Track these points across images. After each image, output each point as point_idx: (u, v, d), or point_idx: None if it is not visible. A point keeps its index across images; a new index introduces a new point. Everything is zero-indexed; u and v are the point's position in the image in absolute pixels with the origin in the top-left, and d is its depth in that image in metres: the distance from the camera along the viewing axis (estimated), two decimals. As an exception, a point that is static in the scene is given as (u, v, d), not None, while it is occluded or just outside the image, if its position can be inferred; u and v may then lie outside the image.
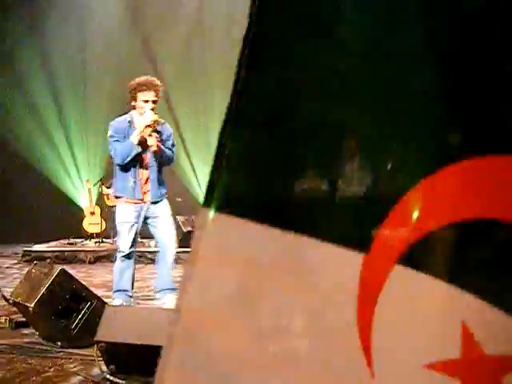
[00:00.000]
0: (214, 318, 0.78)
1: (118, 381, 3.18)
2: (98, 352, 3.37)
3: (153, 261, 8.72)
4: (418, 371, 0.81)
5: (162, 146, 5.06)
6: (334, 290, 0.81)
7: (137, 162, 5.04)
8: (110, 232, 10.27)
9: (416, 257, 0.81)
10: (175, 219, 9.39)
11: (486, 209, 0.80)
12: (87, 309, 4.06)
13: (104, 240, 10.22)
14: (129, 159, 4.96)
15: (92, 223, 10.66)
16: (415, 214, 0.81)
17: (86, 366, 3.54)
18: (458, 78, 0.82)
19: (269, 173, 0.81)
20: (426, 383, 0.81)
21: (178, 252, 8.62)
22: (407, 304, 0.82)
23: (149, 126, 4.90)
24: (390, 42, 0.82)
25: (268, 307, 0.79)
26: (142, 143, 4.96)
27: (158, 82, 5.03)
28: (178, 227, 9.19)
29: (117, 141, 4.99)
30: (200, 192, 12.39)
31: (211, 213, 0.77)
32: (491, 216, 0.80)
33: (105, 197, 10.49)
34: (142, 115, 4.93)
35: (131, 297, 5.23)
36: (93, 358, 3.51)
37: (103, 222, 10.57)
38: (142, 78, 5.01)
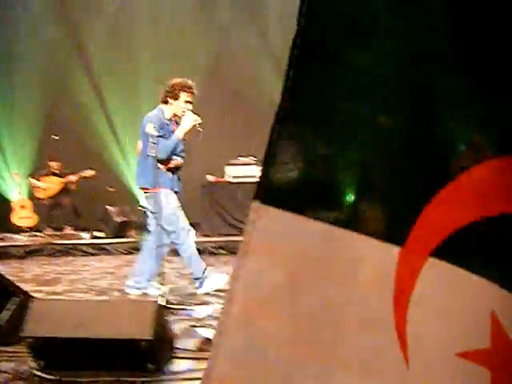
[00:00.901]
0: (264, 307, 0.83)
1: (46, 376, 3.11)
2: (26, 348, 3.29)
3: (86, 253, 8.61)
4: (451, 360, 0.85)
5: None
6: (372, 281, 0.86)
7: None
8: (40, 226, 10.04)
9: (448, 250, 0.87)
10: (106, 210, 9.30)
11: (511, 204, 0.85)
12: (14, 305, 3.95)
13: (36, 234, 9.96)
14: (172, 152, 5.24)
15: (22, 217, 10.37)
16: (447, 210, 0.87)
17: (14, 363, 3.44)
18: (484, 85, 0.87)
19: (315, 170, 0.87)
20: (457, 371, 0.86)
21: (114, 243, 8.55)
22: (440, 295, 0.87)
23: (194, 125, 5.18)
24: (421, 50, 0.88)
25: (313, 297, 0.84)
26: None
27: (193, 85, 5.31)
28: (110, 217, 9.09)
29: (161, 136, 5.15)
30: (132, 184, 12.23)
31: (262, 206, 0.84)
32: None
33: (35, 190, 10.23)
34: (183, 114, 5.20)
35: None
36: (21, 355, 3.42)
37: (35, 216, 10.30)
38: (185, 80, 5.31)
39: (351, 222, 0.86)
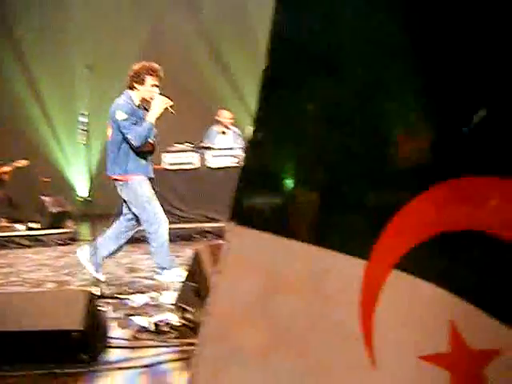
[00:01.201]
0: (240, 319, 0.92)
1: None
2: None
3: (22, 245, 8.42)
4: (414, 362, 0.94)
5: None
6: (341, 293, 0.95)
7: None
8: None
9: (410, 263, 0.95)
10: (41, 201, 9.11)
11: (473, 222, 0.93)
12: None
13: None
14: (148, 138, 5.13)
15: None
16: (410, 225, 0.95)
17: None
18: (447, 110, 0.95)
19: (280, 191, 0.96)
20: (420, 373, 0.95)
21: (50, 234, 8.37)
22: (403, 304, 0.95)
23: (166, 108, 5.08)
24: (384, 77, 0.96)
25: (284, 309, 0.93)
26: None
27: (160, 69, 5.19)
28: (45, 208, 8.91)
29: (134, 123, 5.06)
30: (68, 173, 12.03)
31: (236, 227, 0.93)
32: (477, 228, 0.93)
33: None
34: (152, 98, 5.07)
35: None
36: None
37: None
38: (150, 63, 5.19)
39: (318, 237, 0.94)
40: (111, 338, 3.47)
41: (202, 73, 10.98)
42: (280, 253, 0.93)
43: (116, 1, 11.57)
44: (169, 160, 8.52)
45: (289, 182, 0.97)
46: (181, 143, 8.51)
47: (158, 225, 5.21)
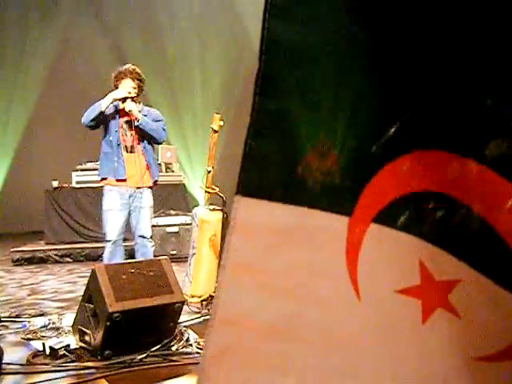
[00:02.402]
0: (250, 269, 1.09)
1: None
2: None
3: None
4: (392, 295, 1.15)
5: (143, 117, 5.02)
6: (328, 243, 1.14)
7: (119, 141, 5.02)
8: None
9: (386, 217, 1.16)
10: None
11: (432, 184, 1.15)
12: None
13: None
14: (93, 116, 4.92)
15: None
16: (384, 187, 1.15)
17: None
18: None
19: (275, 166, 1.12)
20: (398, 304, 1.16)
21: None
22: (380, 250, 1.16)
23: (125, 98, 4.94)
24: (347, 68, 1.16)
25: (283, 257, 1.11)
26: (120, 112, 5.02)
27: (135, 69, 5.04)
28: None
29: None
30: None
31: (241, 198, 1.08)
32: (436, 190, 1.15)
33: None
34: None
35: None
36: None
37: None
38: (129, 66, 5.06)
39: (310, 201, 1.12)
40: (5, 363, 3.36)
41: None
42: (279, 216, 1.11)
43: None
44: (76, 178, 8.36)
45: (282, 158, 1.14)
46: (92, 162, 8.35)
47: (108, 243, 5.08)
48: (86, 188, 8.34)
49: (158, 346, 3.49)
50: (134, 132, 5.04)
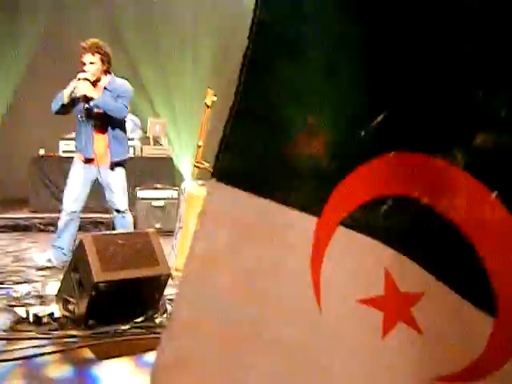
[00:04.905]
0: (214, 262, 1.09)
1: None
2: None
3: None
4: (354, 305, 1.11)
5: (99, 98, 5.07)
6: (295, 244, 1.12)
7: (85, 119, 5.15)
8: None
9: (352, 220, 1.12)
10: None
11: (399, 188, 1.11)
12: None
13: None
14: (57, 108, 5.12)
15: None
16: (352, 191, 1.11)
17: None
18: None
19: (253, 154, 1.13)
20: (358, 315, 1.12)
21: None
22: (346, 254, 1.12)
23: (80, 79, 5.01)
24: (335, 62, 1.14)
25: (251, 254, 1.10)
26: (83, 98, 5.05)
27: (92, 44, 5.07)
28: None
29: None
30: None
31: (216, 183, 1.09)
32: (403, 193, 1.10)
33: None
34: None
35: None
36: None
37: None
38: (85, 42, 5.10)
39: (282, 197, 1.11)
40: (-12, 328, 3.36)
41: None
42: (250, 208, 1.10)
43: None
44: (64, 147, 8.30)
45: (260, 149, 1.14)
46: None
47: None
48: (72, 157, 8.28)
49: (142, 318, 3.52)
50: (96, 110, 5.14)
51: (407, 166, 1.10)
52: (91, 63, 5.07)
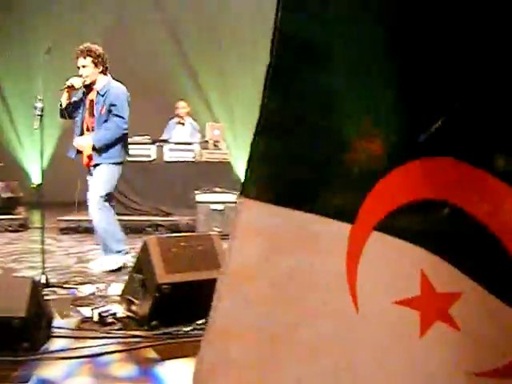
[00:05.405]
0: (248, 276, 1.12)
1: None
2: None
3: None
4: (391, 306, 1.14)
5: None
6: (329, 250, 1.14)
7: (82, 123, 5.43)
8: None
9: (387, 225, 1.14)
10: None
11: (435, 192, 1.12)
12: None
13: None
14: (60, 115, 5.39)
15: None
16: (386, 195, 1.13)
17: None
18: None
19: (283, 170, 1.13)
20: (395, 316, 1.14)
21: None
22: (381, 259, 1.15)
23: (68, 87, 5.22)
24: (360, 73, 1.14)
25: (283, 265, 1.12)
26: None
27: (84, 48, 5.26)
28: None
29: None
30: (23, 159, 11.85)
31: (245, 199, 1.11)
32: (439, 198, 1.12)
33: None
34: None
35: None
36: None
37: None
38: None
39: (314, 207, 1.13)
40: (54, 327, 3.44)
41: (164, 64, 10.87)
42: (279, 220, 1.12)
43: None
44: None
45: (292, 164, 1.15)
46: (141, 135, 8.42)
47: None
48: (132, 162, 8.42)
49: (204, 320, 3.53)
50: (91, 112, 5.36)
51: (444, 172, 1.12)
52: (83, 66, 5.25)
